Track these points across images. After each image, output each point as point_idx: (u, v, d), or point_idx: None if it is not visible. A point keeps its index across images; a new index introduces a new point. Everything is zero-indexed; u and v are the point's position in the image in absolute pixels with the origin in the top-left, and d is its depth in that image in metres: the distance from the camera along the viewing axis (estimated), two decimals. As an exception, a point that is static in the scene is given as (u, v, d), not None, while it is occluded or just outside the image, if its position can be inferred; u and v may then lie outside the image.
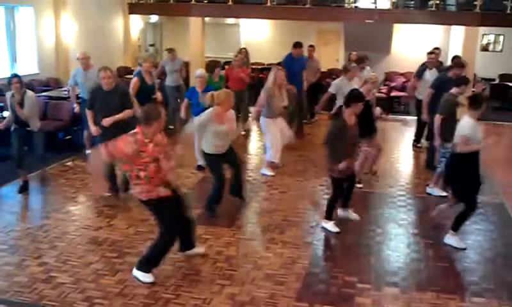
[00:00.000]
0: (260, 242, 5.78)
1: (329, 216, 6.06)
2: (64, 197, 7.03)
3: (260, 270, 5.08)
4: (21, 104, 6.85)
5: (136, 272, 4.78)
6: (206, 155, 6.30)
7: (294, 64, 10.05)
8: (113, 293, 4.60)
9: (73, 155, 8.85)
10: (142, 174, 4.50)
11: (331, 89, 8.17)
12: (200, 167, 7.95)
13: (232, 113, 6.29)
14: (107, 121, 6.38)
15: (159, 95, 8.90)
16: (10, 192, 7.18)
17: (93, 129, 6.70)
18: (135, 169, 4.50)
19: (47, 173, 7.69)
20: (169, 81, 10.80)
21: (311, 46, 11.68)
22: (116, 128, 6.07)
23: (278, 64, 9.73)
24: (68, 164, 8.47)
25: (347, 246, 5.79)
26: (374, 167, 7.98)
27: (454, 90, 6.89)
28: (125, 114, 6.48)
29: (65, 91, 10.76)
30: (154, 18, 18.58)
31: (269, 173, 8.01)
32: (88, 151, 8.77)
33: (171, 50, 11.08)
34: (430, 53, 9.61)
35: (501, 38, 16.28)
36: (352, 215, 6.36)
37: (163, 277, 4.84)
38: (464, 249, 5.63)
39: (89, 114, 6.76)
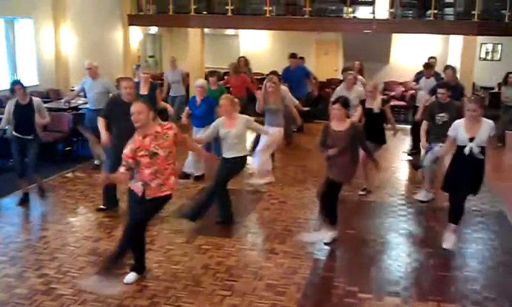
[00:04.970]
0: (261, 252, 5.78)
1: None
2: (64, 208, 7.02)
3: (260, 280, 5.07)
4: (31, 111, 6.77)
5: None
6: None
7: (291, 76, 10.17)
8: (113, 304, 4.58)
9: (73, 167, 8.86)
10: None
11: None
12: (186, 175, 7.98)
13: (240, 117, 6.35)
14: None
15: (169, 108, 8.72)
16: (10, 204, 7.16)
17: (104, 137, 6.45)
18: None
19: (44, 184, 7.39)
20: (171, 92, 11.22)
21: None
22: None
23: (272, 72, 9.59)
24: (68, 175, 8.47)
25: (347, 256, 5.78)
26: (365, 182, 7.60)
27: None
28: None
29: (65, 102, 10.73)
30: (154, 29, 18.65)
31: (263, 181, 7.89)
32: (96, 162, 8.71)
33: (172, 59, 11.54)
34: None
35: (499, 47, 16.34)
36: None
37: (163, 288, 4.83)
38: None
39: (102, 121, 6.51)
